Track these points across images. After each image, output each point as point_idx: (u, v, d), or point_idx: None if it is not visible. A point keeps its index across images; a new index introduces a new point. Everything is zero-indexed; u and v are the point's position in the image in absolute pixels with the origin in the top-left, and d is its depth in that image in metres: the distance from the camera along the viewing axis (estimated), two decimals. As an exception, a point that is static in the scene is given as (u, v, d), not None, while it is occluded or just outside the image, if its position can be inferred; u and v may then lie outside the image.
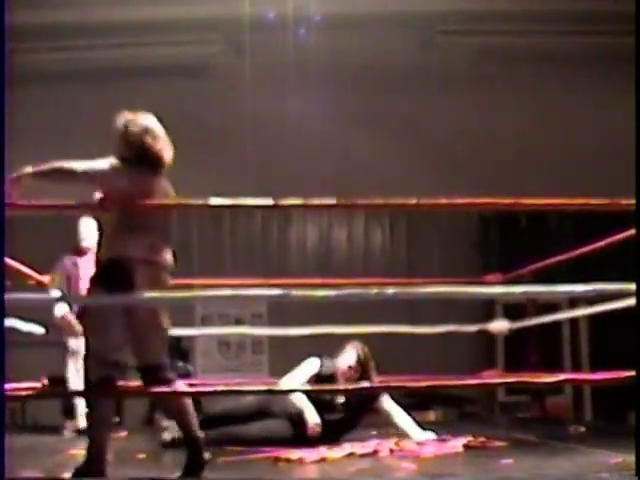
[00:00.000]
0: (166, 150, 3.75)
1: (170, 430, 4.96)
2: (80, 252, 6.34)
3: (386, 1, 9.36)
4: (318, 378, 5.07)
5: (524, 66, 9.66)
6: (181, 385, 3.82)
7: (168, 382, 3.69)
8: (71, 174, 3.56)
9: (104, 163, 3.61)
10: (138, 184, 3.61)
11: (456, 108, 9.63)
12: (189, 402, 3.70)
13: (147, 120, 3.78)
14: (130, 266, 3.52)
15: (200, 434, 3.65)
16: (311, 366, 5.12)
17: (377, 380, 5.11)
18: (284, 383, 4.98)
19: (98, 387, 3.58)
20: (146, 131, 3.72)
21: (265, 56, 9.32)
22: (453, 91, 9.67)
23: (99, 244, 3.77)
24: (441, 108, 9.65)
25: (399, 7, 9.31)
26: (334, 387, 4.92)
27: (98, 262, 3.67)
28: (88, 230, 6.30)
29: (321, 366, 5.11)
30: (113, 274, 3.53)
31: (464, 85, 9.70)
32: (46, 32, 9.04)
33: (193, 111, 9.55)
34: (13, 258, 4.80)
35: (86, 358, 3.66)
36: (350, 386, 4.87)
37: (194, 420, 3.67)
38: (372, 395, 5.09)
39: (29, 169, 3.58)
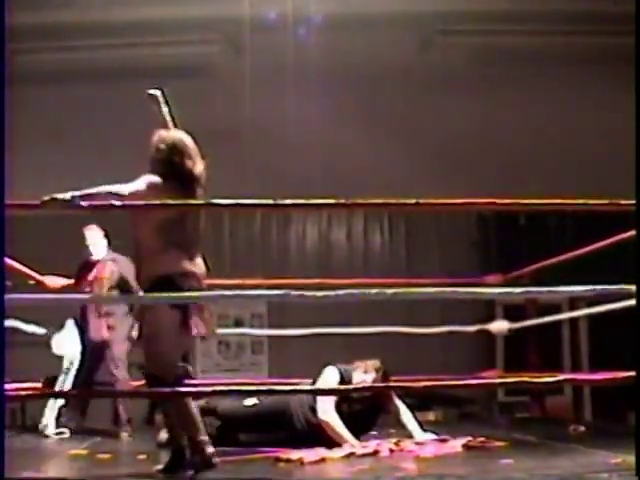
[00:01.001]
0: (196, 166, 3.87)
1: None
2: (88, 264, 6.26)
3: (386, 1, 9.36)
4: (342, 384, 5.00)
5: (524, 66, 9.65)
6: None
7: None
8: (118, 197, 3.70)
9: (142, 183, 3.75)
10: (173, 199, 3.75)
11: (456, 108, 9.63)
12: (196, 414, 3.77)
13: (177, 137, 3.91)
14: (181, 280, 3.73)
15: (186, 445, 3.75)
16: (333, 380, 4.97)
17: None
18: (322, 409, 4.87)
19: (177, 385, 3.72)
20: (175, 149, 3.85)
21: (265, 56, 9.32)
22: (453, 91, 9.66)
23: (141, 262, 3.84)
24: (441, 108, 9.65)
25: (399, 7, 9.30)
26: (336, 387, 4.89)
27: (147, 279, 3.79)
28: (94, 240, 6.22)
29: (341, 378, 4.99)
30: (167, 290, 3.68)
31: (464, 85, 9.70)
32: (46, 32, 9.03)
33: (193, 111, 9.52)
34: (13, 258, 4.80)
35: (154, 363, 3.76)
36: (359, 393, 4.85)
37: (200, 425, 3.74)
38: (386, 401, 5.04)
39: (76, 192, 3.67)
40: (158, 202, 3.76)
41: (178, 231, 3.78)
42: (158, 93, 4.12)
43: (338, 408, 4.88)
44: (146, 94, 4.13)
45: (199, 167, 3.90)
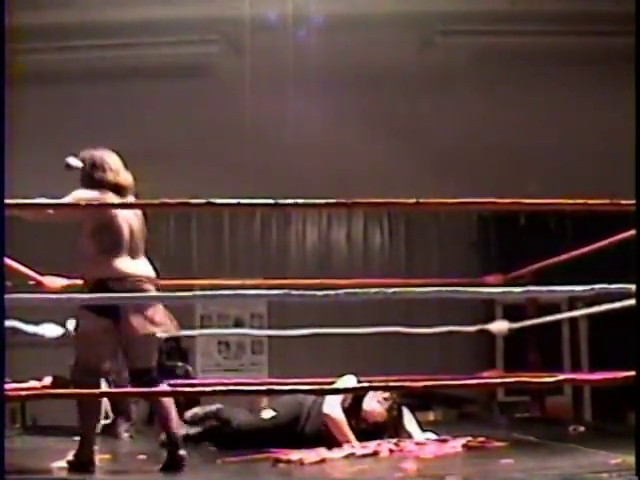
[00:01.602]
0: (121, 177, 4.15)
1: None
2: None
3: (386, 1, 9.36)
4: (353, 399, 4.97)
5: (524, 66, 9.65)
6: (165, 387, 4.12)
7: (154, 384, 4.00)
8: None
9: (71, 199, 4.02)
10: (103, 210, 4.04)
11: (456, 108, 9.63)
12: (172, 404, 4.01)
13: (101, 155, 4.22)
14: (115, 284, 3.92)
15: (178, 433, 4.00)
16: (350, 385, 4.90)
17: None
18: (329, 405, 4.86)
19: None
20: (94, 165, 4.17)
21: (265, 56, 9.32)
22: (453, 91, 9.67)
23: (81, 267, 4.10)
24: (441, 108, 9.65)
25: (399, 7, 9.30)
26: (337, 387, 4.88)
27: (84, 285, 4.05)
28: None
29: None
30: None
31: (464, 85, 9.70)
32: (46, 32, 9.03)
33: (193, 111, 9.55)
34: (13, 258, 4.80)
35: (74, 368, 4.05)
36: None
37: (175, 420, 4.00)
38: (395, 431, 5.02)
39: None
40: (156, 202, 3.88)
41: (112, 236, 3.99)
42: (78, 164, 4.27)
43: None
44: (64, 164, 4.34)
45: (124, 178, 4.15)
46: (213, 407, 5.08)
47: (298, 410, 4.90)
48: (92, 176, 4.12)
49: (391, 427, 4.99)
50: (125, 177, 4.18)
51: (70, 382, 4.11)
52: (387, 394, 5.01)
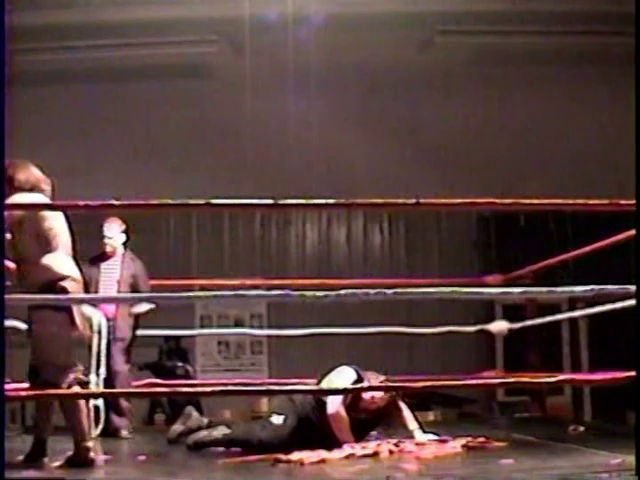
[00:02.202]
0: (40, 182, 4.26)
1: (180, 421, 4.96)
2: (103, 255, 6.30)
3: (386, 1, 9.36)
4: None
5: (523, 66, 9.66)
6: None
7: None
8: None
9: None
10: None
11: (456, 108, 9.63)
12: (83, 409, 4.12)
13: (21, 161, 4.30)
14: (64, 284, 4.03)
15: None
16: (349, 379, 4.83)
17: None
18: (332, 405, 4.83)
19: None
20: (24, 171, 4.26)
21: (265, 56, 9.32)
22: (453, 91, 9.67)
23: (23, 268, 4.14)
24: (441, 108, 9.65)
25: (399, 7, 9.30)
26: (337, 388, 4.89)
27: (32, 285, 4.07)
28: (112, 233, 6.26)
29: (357, 379, 4.88)
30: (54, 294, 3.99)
31: (464, 85, 9.70)
32: (46, 32, 9.03)
33: (193, 111, 9.55)
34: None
35: (45, 369, 4.06)
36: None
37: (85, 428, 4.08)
38: (392, 416, 5.00)
39: None
40: (156, 202, 3.89)
41: (52, 235, 4.09)
42: None
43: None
44: None
45: (41, 177, 4.28)
46: (219, 433, 4.82)
47: (299, 408, 4.88)
48: (27, 180, 4.20)
49: (391, 410, 4.97)
50: (44, 177, 4.30)
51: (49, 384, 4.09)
52: (383, 377, 5.00)
